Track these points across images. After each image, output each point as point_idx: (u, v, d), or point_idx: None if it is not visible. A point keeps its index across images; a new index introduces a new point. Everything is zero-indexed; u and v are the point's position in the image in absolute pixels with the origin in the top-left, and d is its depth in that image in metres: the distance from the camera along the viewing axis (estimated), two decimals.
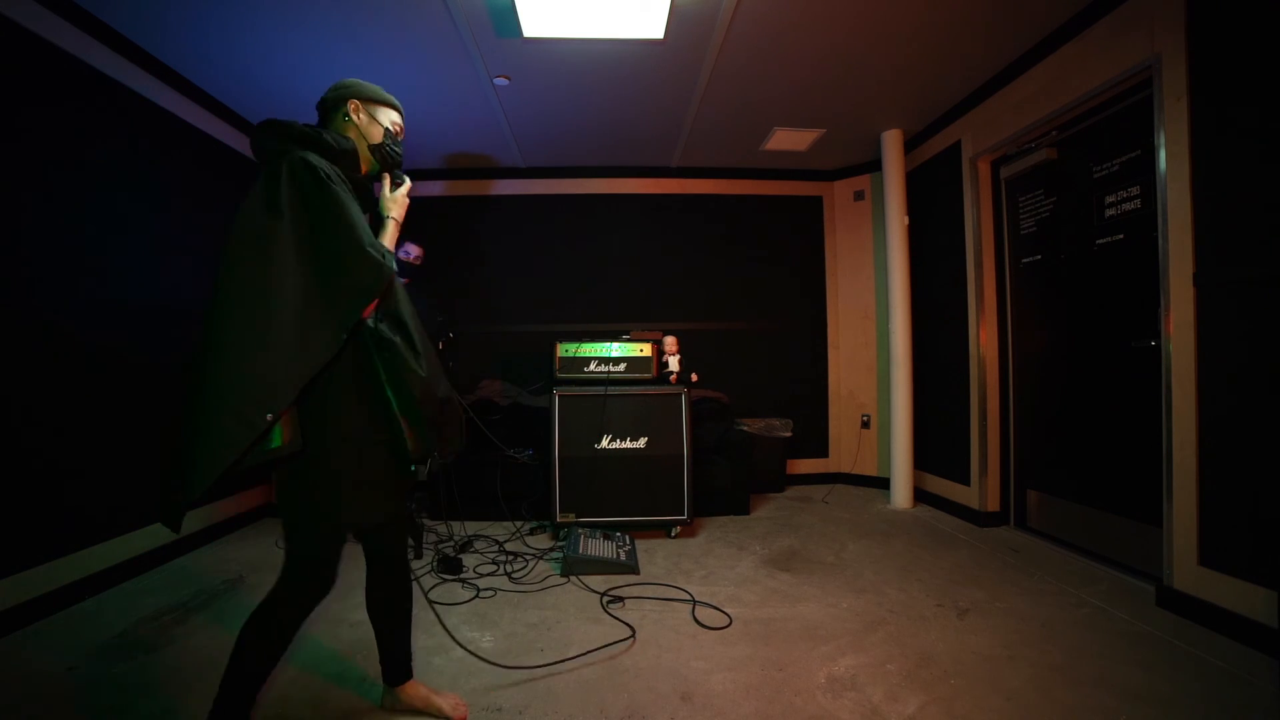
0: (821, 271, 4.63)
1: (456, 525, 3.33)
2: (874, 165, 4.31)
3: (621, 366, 3.24)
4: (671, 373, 3.28)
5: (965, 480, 3.48)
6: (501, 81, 3.11)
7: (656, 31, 2.57)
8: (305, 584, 1.31)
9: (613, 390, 3.14)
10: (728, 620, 2.17)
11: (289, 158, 1.26)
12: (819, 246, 4.63)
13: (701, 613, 2.23)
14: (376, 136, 1.47)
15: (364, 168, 1.46)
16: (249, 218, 1.21)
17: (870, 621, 2.14)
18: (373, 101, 1.47)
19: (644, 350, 3.26)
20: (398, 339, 1.32)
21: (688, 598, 2.36)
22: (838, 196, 4.60)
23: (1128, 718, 1.56)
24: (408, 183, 1.54)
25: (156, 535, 2.80)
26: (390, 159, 1.50)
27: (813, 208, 4.63)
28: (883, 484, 4.19)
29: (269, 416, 1.12)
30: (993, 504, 3.35)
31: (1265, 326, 1.92)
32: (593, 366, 3.23)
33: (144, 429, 2.76)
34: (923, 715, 1.59)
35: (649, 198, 4.50)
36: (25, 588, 2.16)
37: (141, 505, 2.74)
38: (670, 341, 3.40)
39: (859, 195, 4.49)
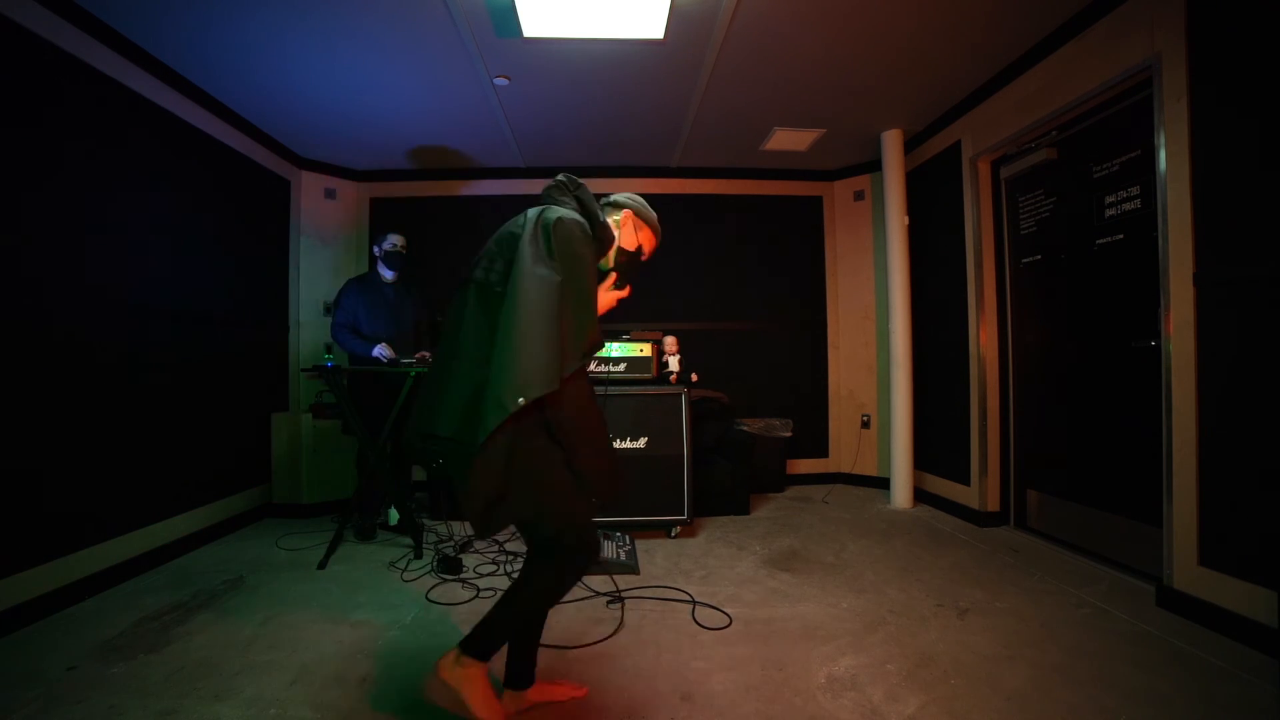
0: (821, 271, 4.63)
1: (456, 525, 3.33)
2: (874, 165, 4.31)
3: (621, 366, 3.24)
4: (671, 373, 3.28)
5: (965, 480, 3.48)
6: (501, 81, 3.11)
7: (656, 31, 2.57)
8: (582, 549, 1.43)
9: (612, 390, 3.14)
10: (728, 620, 2.17)
11: (564, 214, 1.43)
12: (819, 246, 4.63)
13: (701, 613, 2.23)
14: (629, 245, 1.66)
15: (609, 261, 1.66)
16: (540, 246, 1.38)
17: (870, 621, 2.14)
18: (645, 223, 1.68)
19: (644, 350, 3.26)
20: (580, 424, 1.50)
21: (688, 598, 2.36)
22: (838, 196, 4.60)
23: (1128, 718, 1.56)
24: (626, 290, 1.69)
25: (156, 535, 2.80)
26: (627, 270, 1.68)
27: (813, 208, 4.63)
28: (883, 484, 4.19)
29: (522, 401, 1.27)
30: (993, 504, 3.35)
31: (1265, 326, 1.92)
32: (592, 366, 3.22)
33: (144, 429, 2.77)
34: (923, 715, 1.59)
35: (649, 198, 4.47)
36: (25, 588, 2.16)
37: (141, 505, 2.74)
38: (670, 341, 3.41)
39: (859, 195, 4.49)
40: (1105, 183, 2.68)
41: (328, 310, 4.17)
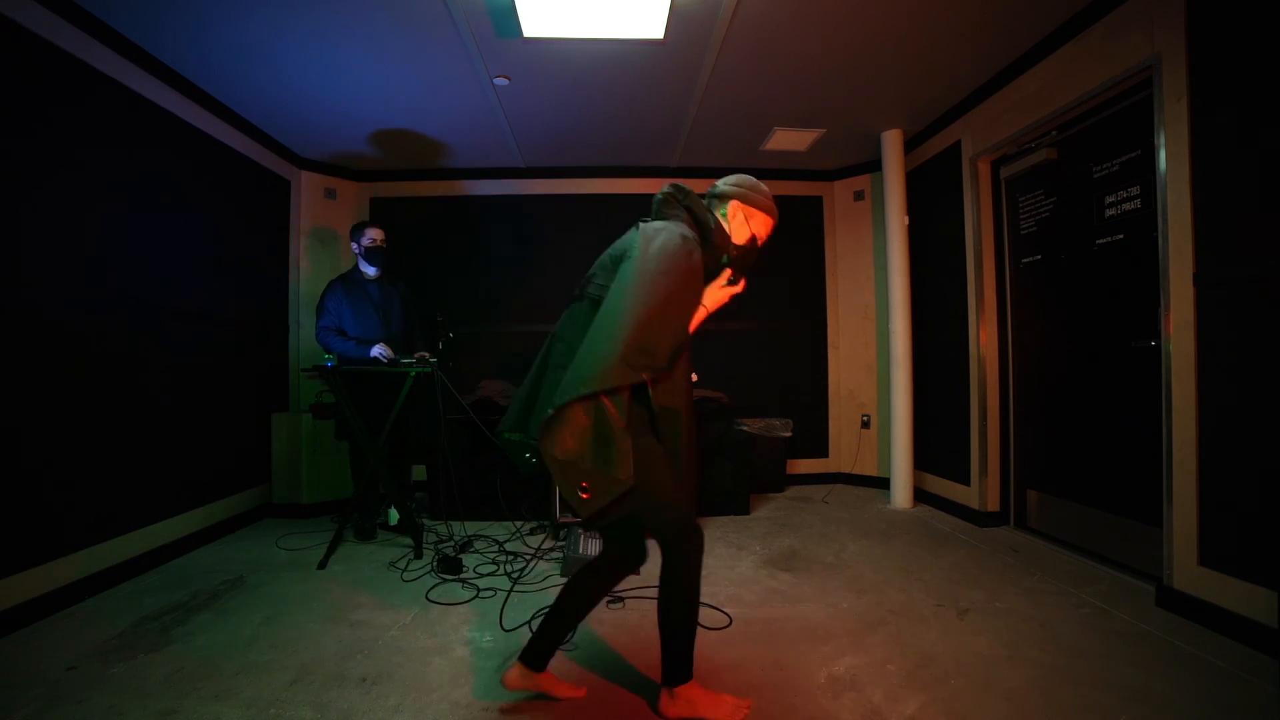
0: (821, 271, 4.63)
1: (456, 525, 3.33)
2: (874, 165, 4.31)
3: None
4: None
5: (965, 480, 3.48)
6: (501, 81, 3.11)
7: (656, 31, 2.57)
8: (694, 536, 1.51)
9: None
10: (728, 620, 2.17)
11: (672, 229, 1.47)
12: (819, 246, 4.63)
13: (701, 613, 2.22)
14: (742, 239, 1.63)
15: (724, 257, 1.62)
16: (656, 245, 1.43)
17: (870, 622, 2.14)
18: (754, 208, 1.63)
19: None
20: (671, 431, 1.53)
21: None
22: (838, 196, 4.60)
23: (1128, 718, 1.56)
24: (739, 287, 1.63)
25: (156, 535, 2.80)
26: (742, 263, 1.63)
27: (813, 208, 4.63)
28: (883, 484, 4.19)
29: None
30: (993, 504, 3.35)
31: (1265, 326, 1.92)
32: None
33: (144, 429, 2.77)
34: (923, 715, 1.59)
35: (649, 197, 4.47)
36: (25, 588, 2.16)
37: (141, 505, 2.74)
38: None
39: (859, 195, 4.49)
40: (1105, 183, 2.68)
41: None
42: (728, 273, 1.62)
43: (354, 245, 3.29)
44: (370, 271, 3.30)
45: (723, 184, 1.65)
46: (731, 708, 1.55)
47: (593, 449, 1.32)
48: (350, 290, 3.25)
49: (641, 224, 1.55)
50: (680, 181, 1.62)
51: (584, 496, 1.32)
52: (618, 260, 1.51)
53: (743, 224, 1.63)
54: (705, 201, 1.63)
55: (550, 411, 1.31)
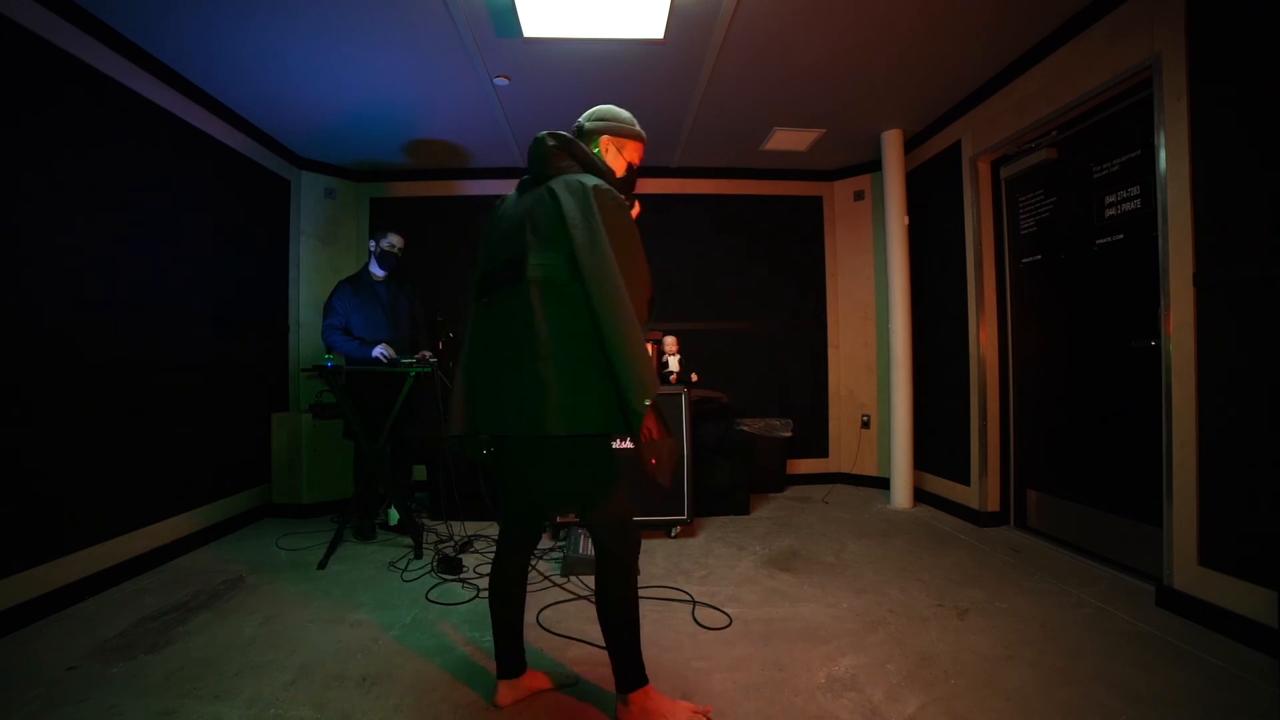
0: (821, 271, 4.63)
1: (456, 525, 3.33)
2: (874, 165, 4.31)
3: None
4: (671, 373, 3.28)
5: (965, 480, 3.48)
6: (501, 81, 3.11)
7: (656, 32, 2.57)
8: (631, 534, 1.51)
9: None
10: (728, 620, 2.17)
11: (586, 180, 1.44)
12: (819, 246, 4.63)
13: (701, 613, 2.23)
14: (620, 171, 1.63)
15: None
16: (563, 226, 1.40)
17: (870, 621, 2.14)
18: (623, 137, 1.63)
19: None
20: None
21: (687, 598, 2.36)
22: (838, 196, 4.60)
23: (1128, 718, 1.56)
24: (636, 205, 1.66)
25: (156, 535, 2.80)
26: (629, 191, 1.63)
27: (813, 208, 4.63)
28: (883, 484, 4.19)
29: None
30: (993, 504, 3.35)
31: (1265, 326, 1.92)
32: None
33: (144, 429, 2.77)
34: (923, 715, 1.59)
35: (649, 197, 4.49)
36: (25, 588, 2.16)
37: (142, 505, 2.74)
38: (670, 341, 3.41)
39: (859, 195, 4.49)
40: (1105, 183, 2.68)
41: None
42: (638, 207, 1.65)
43: (371, 243, 3.31)
44: (379, 273, 3.32)
45: (586, 123, 1.62)
46: (688, 714, 1.51)
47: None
48: (359, 291, 3.27)
49: (551, 184, 1.47)
50: (556, 131, 1.54)
51: (653, 462, 1.38)
52: (547, 231, 1.43)
53: (616, 155, 1.63)
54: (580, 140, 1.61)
55: (639, 411, 1.32)
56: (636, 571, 1.53)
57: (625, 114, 1.64)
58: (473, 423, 1.50)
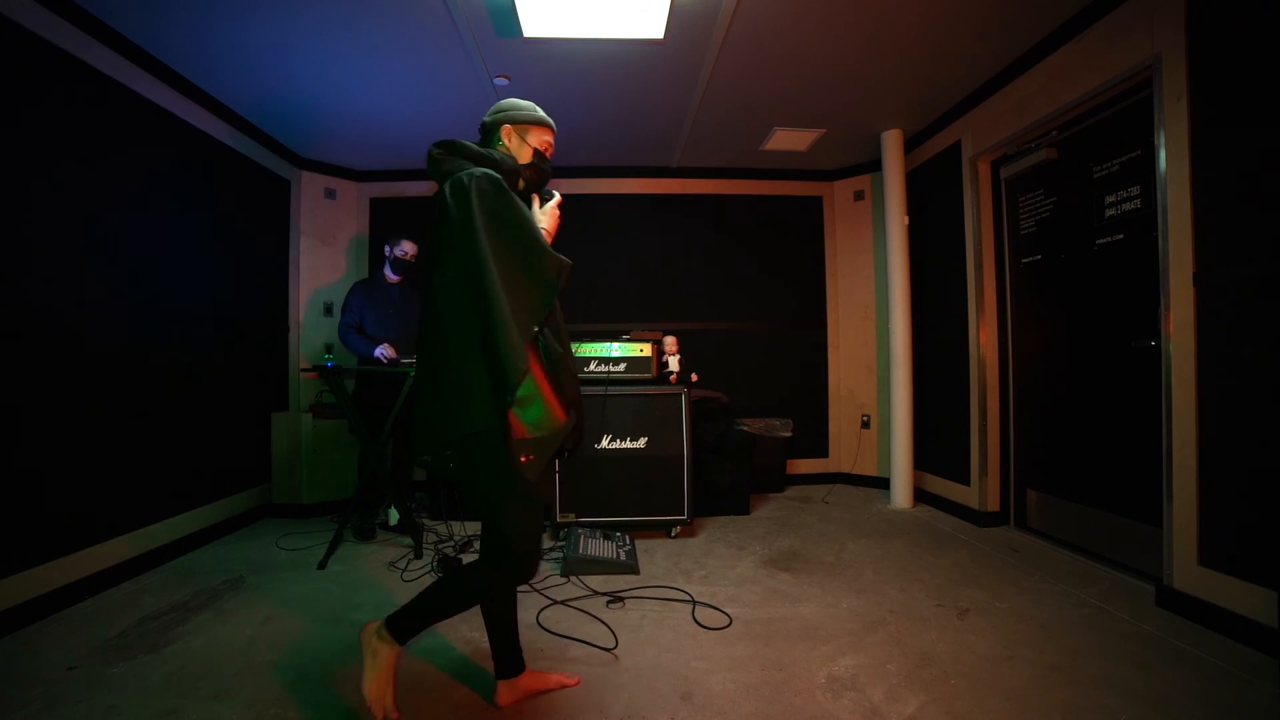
0: (821, 271, 4.63)
1: (456, 525, 3.33)
2: (874, 165, 4.31)
3: (621, 366, 3.24)
4: (671, 373, 3.28)
5: (965, 480, 3.48)
6: (501, 81, 3.11)
7: (656, 31, 2.57)
8: (521, 563, 1.48)
9: (613, 390, 3.14)
10: (728, 620, 2.17)
11: (470, 173, 1.43)
12: (819, 246, 4.63)
13: (701, 613, 2.23)
14: (526, 157, 1.62)
15: (521, 184, 1.61)
16: (451, 228, 1.40)
17: (870, 621, 2.14)
18: (523, 124, 1.62)
19: (644, 350, 3.26)
20: (559, 349, 1.54)
21: (688, 598, 2.36)
22: (838, 196, 4.60)
23: (1128, 718, 1.56)
24: (556, 197, 1.67)
25: (156, 535, 2.80)
26: (538, 179, 1.63)
27: (813, 208, 4.63)
28: (883, 484, 4.19)
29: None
30: (992, 504, 3.35)
31: (1265, 326, 1.92)
32: (593, 366, 3.22)
33: (144, 429, 2.76)
34: (923, 715, 1.59)
35: (649, 198, 4.51)
36: (25, 588, 2.16)
37: (141, 505, 2.74)
38: (670, 341, 3.41)
39: (859, 195, 4.49)
40: (1105, 183, 2.68)
41: (328, 310, 4.18)
42: (536, 198, 1.64)
43: (386, 247, 3.45)
44: (393, 278, 3.46)
45: (486, 118, 1.64)
46: (378, 694, 1.47)
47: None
48: (372, 291, 3.41)
49: (442, 187, 1.47)
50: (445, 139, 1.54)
51: (524, 460, 1.38)
52: (436, 241, 1.45)
53: (520, 143, 1.62)
54: (478, 143, 1.60)
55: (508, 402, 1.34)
56: (484, 593, 1.55)
57: (525, 103, 1.65)
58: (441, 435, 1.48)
